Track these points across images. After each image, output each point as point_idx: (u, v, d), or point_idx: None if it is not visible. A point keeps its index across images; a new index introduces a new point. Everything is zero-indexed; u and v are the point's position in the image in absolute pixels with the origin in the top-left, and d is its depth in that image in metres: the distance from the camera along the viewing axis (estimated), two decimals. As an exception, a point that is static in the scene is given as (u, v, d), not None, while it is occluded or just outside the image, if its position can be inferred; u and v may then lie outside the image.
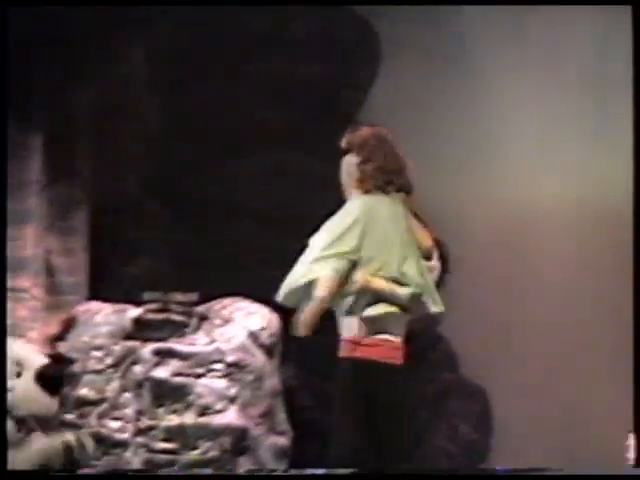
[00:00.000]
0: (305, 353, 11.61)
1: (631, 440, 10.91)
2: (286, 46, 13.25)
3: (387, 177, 6.89)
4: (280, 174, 13.18)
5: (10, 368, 8.99)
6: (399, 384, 6.45)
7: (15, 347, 9.31)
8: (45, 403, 9.15)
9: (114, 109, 12.04)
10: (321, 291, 6.46)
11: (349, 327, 6.51)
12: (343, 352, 6.48)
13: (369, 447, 6.31)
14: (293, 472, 10.38)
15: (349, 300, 6.50)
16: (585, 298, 14.51)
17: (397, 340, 6.49)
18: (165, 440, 9.91)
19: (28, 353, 9.34)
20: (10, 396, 8.88)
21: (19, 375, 9.05)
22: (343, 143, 7.04)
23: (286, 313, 10.65)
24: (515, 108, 14.88)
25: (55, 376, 9.24)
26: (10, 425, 8.85)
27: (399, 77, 14.38)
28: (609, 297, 14.23)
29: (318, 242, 6.68)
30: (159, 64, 12.55)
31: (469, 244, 11.53)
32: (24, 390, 9.02)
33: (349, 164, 6.99)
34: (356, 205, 6.75)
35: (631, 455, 10.90)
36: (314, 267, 6.56)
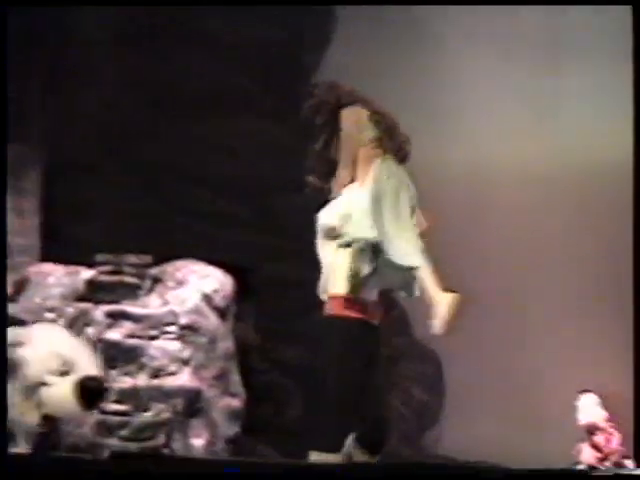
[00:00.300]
0: (259, 316, 11.86)
1: (581, 401, 11.16)
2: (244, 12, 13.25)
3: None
4: (234, 139, 13.14)
5: (53, 361, 8.23)
6: (379, 340, 6.57)
7: (67, 342, 8.58)
8: (77, 414, 8.64)
9: (70, 72, 12.08)
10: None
11: (336, 285, 6.61)
12: (331, 310, 6.57)
13: (354, 399, 6.39)
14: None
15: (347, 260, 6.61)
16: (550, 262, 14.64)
17: (378, 300, 6.62)
18: (117, 402, 9.84)
19: (81, 356, 8.50)
20: (45, 391, 8.22)
21: (64, 374, 8.25)
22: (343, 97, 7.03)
23: (239, 275, 10.87)
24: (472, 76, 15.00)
25: (95, 392, 8.43)
26: (35, 416, 8.18)
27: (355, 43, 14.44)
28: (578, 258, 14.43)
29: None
30: (115, 28, 12.61)
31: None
32: (63, 394, 8.22)
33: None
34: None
35: (582, 416, 11.15)
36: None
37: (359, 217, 6.69)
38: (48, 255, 11.05)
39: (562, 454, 10.72)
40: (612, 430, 10.91)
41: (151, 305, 10.31)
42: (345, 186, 6.93)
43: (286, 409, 12.42)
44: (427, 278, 6.56)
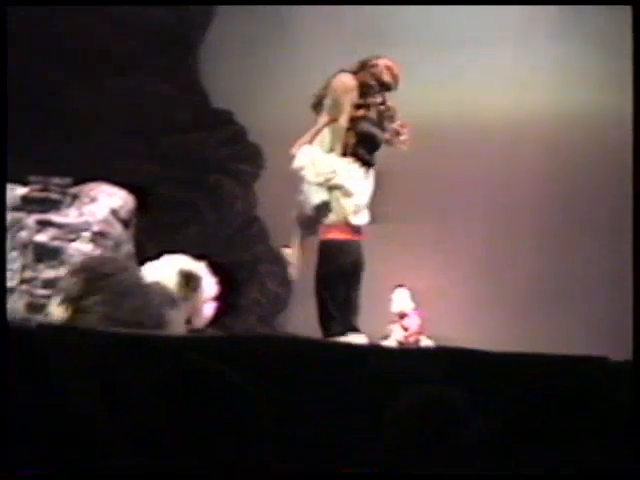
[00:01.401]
0: (153, 228, 11.87)
1: (395, 293, 11.38)
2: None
3: None
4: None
5: (177, 279, 6.57)
6: (360, 255, 7.11)
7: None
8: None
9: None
10: None
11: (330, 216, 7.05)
12: (323, 235, 7.05)
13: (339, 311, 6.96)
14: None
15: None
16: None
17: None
18: (43, 288, 9.90)
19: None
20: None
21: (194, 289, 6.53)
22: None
23: (138, 195, 11.10)
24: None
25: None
26: None
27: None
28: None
29: None
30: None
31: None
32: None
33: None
34: None
35: (395, 305, 11.50)
36: None
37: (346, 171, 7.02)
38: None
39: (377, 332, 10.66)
40: (416, 316, 11.38)
41: (70, 216, 10.37)
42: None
43: None
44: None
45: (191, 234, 13.20)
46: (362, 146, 7.18)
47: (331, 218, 7.05)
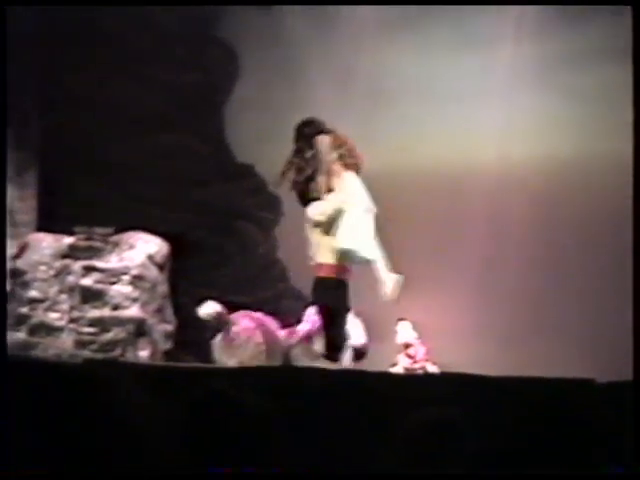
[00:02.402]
0: (186, 270, 11.91)
1: (399, 326, 11.02)
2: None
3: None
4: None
5: None
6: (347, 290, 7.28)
7: None
8: None
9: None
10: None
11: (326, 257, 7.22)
12: (320, 273, 7.21)
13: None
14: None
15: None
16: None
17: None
18: (89, 326, 10.01)
19: None
20: None
21: None
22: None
23: (172, 242, 11.11)
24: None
25: None
26: None
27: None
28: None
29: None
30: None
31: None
32: None
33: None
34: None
35: (399, 336, 11.26)
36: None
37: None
38: (43, 227, 11.06)
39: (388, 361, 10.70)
40: (420, 346, 11.11)
41: (111, 261, 10.41)
42: (326, 192, 7.32)
43: (204, 332, 12.12)
44: (379, 265, 7.24)
45: (220, 275, 13.21)
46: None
47: (321, 256, 7.30)
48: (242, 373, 4.99)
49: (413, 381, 5.26)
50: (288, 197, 12.78)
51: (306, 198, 7.50)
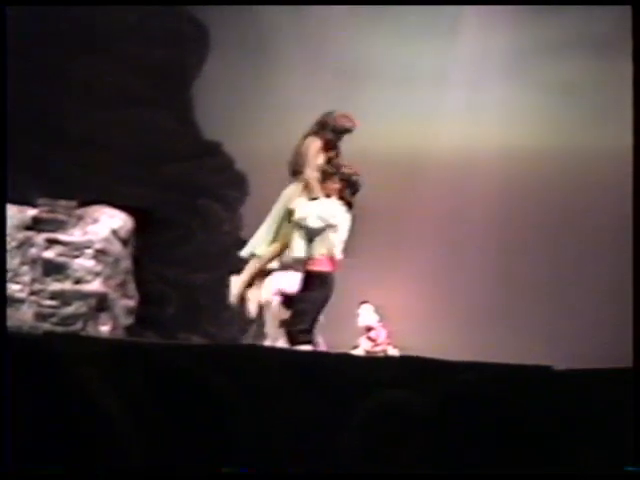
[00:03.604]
0: (150, 246, 11.83)
1: (361, 309, 11.01)
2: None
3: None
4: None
5: None
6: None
7: None
8: None
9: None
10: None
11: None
12: (312, 267, 7.34)
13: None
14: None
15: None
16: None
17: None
18: (50, 299, 9.95)
19: None
20: None
21: None
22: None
23: (137, 217, 11.06)
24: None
25: None
26: None
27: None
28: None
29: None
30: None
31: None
32: None
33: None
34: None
35: (361, 319, 11.42)
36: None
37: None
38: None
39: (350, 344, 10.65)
40: (381, 329, 11.09)
41: (75, 235, 10.35)
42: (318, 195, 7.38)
43: (165, 308, 12.43)
44: None
45: (183, 252, 13.17)
46: (347, 189, 7.49)
47: (319, 251, 7.34)
48: (203, 350, 4.99)
49: (373, 363, 5.28)
50: (254, 176, 12.88)
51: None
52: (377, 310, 11.19)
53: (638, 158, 7.85)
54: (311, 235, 7.39)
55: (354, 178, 7.54)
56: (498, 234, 13.33)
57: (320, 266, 7.39)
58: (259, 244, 7.58)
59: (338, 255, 7.48)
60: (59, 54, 12.05)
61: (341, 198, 7.46)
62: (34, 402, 1.16)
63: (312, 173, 7.37)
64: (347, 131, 7.55)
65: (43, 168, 12.04)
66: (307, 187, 7.42)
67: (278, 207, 7.57)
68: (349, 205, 7.53)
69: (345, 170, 7.56)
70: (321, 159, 7.43)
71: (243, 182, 13.56)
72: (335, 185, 7.45)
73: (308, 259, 7.40)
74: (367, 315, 11.14)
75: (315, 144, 7.41)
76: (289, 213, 7.44)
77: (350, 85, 13.31)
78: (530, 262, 13.35)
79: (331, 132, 7.49)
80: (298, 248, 7.39)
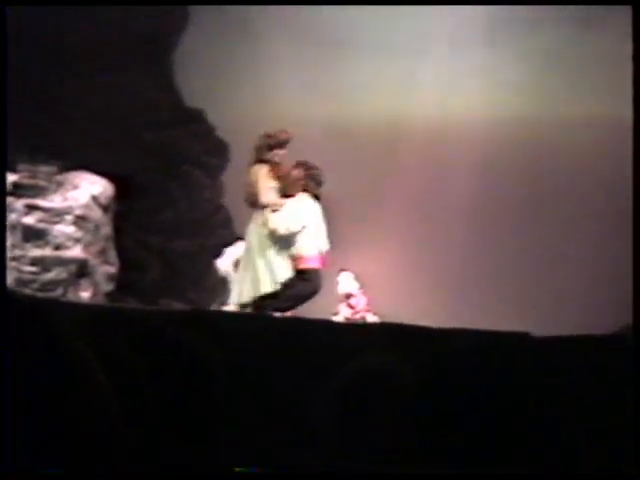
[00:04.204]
0: (130, 212, 11.77)
1: (340, 276, 10.99)
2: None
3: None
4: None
5: None
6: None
7: None
8: None
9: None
10: None
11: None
12: (302, 264, 7.60)
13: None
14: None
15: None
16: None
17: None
18: (30, 265, 9.94)
19: None
20: None
21: None
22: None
23: (117, 183, 11.02)
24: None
25: None
26: None
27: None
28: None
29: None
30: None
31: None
32: None
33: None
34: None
35: (340, 287, 11.41)
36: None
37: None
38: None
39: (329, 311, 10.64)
40: (361, 296, 11.11)
41: (55, 201, 10.33)
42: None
43: (146, 275, 12.39)
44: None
45: (164, 219, 13.12)
46: (311, 183, 7.74)
47: (305, 249, 7.64)
48: (183, 315, 5.00)
49: (353, 330, 5.29)
50: (235, 144, 12.85)
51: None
52: (357, 277, 11.20)
53: (638, 161, 7.60)
54: (292, 239, 7.61)
55: (315, 172, 7.76)
56: (480, 202, 13.36)
57: (308, 263, 7.64)
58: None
59: (325, 248, 7.77)
60: (42, 20, 11.92)
61: (306, 191, 7.70)
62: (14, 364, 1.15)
63: (266, 198, 7.56)
64: (285, 142, 7.72)
65: (24, 134, 11.92)
66: (270, 206, 7.61)
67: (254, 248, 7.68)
68: (316, 197, 7.76)
69: (306, 171, 7.78)
70: (271, 182, 7.61)
71: (224, 149, 13.53)
72: (299, 183, 7.69)
73: (297, 257, 7.62)
74: (347, 282, 11.14)
75: (262, 171, 7.58)
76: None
77: (331, 56, 13.30)
78: (513, 229, 13.38)
79: (270, 152, 7.65)
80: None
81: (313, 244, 7.68)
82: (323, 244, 7.82)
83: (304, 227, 7.60)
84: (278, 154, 7.65)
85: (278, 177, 7.64)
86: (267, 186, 7.59)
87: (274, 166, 7.63)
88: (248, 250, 7.70)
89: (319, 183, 7.82)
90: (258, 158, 7.64)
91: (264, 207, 7.58)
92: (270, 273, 7.51)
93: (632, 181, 7.26)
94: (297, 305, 7.67)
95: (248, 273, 7.58)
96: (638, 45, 7.48)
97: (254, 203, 7.66)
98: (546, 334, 3.96)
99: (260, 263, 7.50)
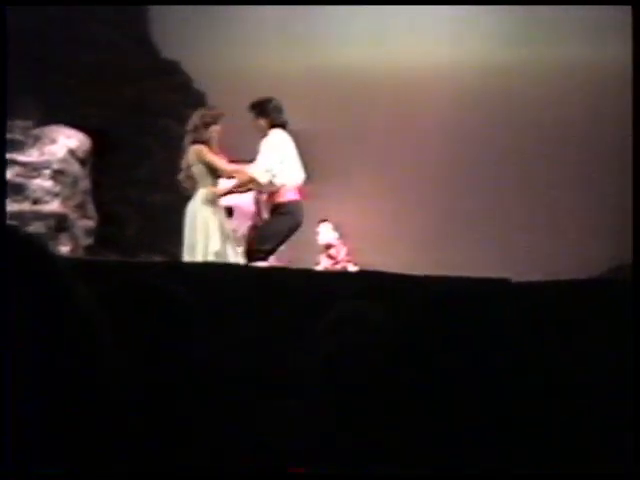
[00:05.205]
0: (108, 166, 11.72)
1: (320, 227, 11.03)
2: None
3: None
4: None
5: None
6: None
7: None
8: None
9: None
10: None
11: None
12: (279, 199, 7.46)
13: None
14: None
15: None
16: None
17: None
18: (9, 220, 9.41)
19: None
20: None
21: None
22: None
23: (94, 137, 10.93)
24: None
25: None
26: None
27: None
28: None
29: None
30: None
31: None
32: None
33: None
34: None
35: (321, 237, 11.52)
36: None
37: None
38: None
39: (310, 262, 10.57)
40: (341, 246, 11.13)
41: (32, 155, 10.30)
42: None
43: (125, 228, 12.38)
44: None
45: (142, 172, 13.06)
46: (273, 112, 7.57)
47: (282, 182, 7.44)
48: (164, 267, 5.01)
49: (335, 278, 5.31)
50: (213, 93, 12.79)
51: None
52: (336, 228, 11.18)
53: (638, 160, 7.44)
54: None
55: (270, 104, 7.58)
56: (454, 151, 13.36)
57: (285, 196, 7.45)
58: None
59: (301, 177, 7.58)
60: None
61: (273, 126, 7.51)
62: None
63: (225, 169, 7.55)
64: (218, 118, 7.67)
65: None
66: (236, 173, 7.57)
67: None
68: (283, 126, 7.59)
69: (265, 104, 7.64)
70: (215, 157, 7.55)
71: (202, 99, 13.43)
72: (262, 122, 7.54)
73: (274, 191, 7.45)
74: (326, 233, 11.13)
75: (204, 150, 7.52)
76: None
77: (302, 7, 13.16)
78: (486, 177, 13.37)
79: (206, 129, 7.58)
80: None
81: (287, 176, 7.46)
82: (299, 175, 7.62)
83: (281, 162, 7.43)
84: (215, 130, 7.60)
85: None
86: (217, 160, 7.53)
87: (211, 142, 7.61)
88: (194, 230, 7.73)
89: (280, 111, 7.60)
90: (195, 139, 7.60)
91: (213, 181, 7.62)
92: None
93: (632, 181, 7.21)
94: (281, 242, 7.49)
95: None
96: (638, 45, 7.45)
97: (193, 186, 7.75)
98: (525, 279, 3.98)
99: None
